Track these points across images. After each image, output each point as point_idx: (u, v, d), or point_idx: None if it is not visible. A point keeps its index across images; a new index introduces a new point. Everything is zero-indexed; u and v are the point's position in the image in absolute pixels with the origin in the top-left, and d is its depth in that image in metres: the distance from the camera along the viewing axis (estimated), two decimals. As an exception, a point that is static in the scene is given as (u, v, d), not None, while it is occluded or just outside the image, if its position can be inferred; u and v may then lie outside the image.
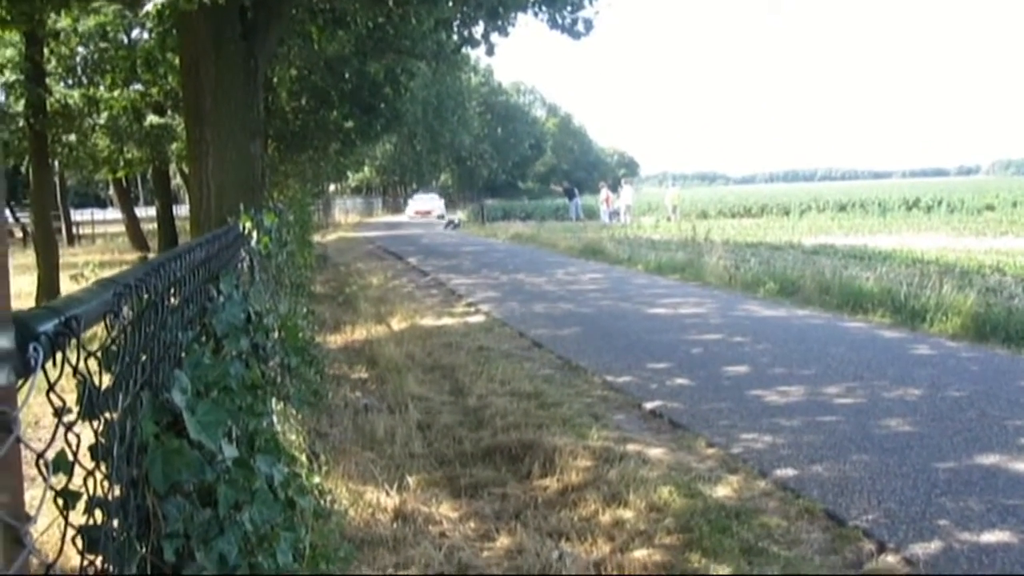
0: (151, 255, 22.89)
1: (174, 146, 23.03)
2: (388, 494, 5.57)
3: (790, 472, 5.86)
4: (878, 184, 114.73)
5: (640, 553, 4.65)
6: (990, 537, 4.70)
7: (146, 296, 2.06)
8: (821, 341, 10.36)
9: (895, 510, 5.12)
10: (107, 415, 1.72)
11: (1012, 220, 37.80)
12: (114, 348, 1.78)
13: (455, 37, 16.81)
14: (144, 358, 2.02)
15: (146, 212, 39.97)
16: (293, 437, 5.34)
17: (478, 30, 15.64)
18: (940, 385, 8.07)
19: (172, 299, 2.50)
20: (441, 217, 54.84)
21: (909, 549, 4.58)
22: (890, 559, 4.51)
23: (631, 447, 6.37)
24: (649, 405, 7.70)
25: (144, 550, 1.88)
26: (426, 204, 62.34)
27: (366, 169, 70.51)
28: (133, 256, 26.17)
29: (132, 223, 33.76)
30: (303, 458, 5.17)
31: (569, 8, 14.79)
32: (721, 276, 16.71)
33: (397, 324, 12.44)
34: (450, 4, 14.59)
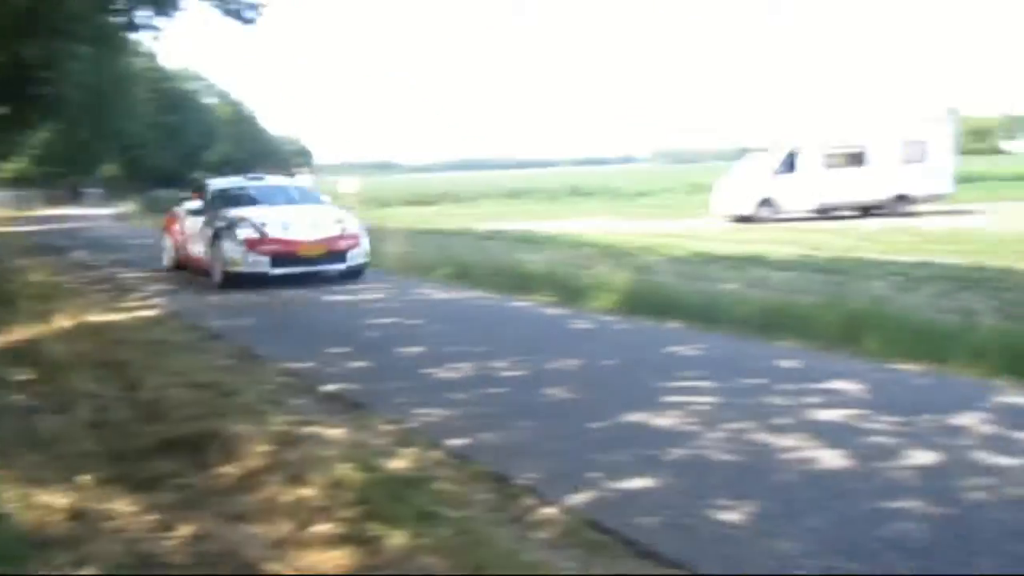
0: None
1: None
2: (61, 495, 5.40)
3: (462, 441, 6.23)
4: (546, 172, 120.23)
5: (322, 527, 4.83)
6: (635, 484, 5.28)
7: None
8: (491, 320, 10.96)
9: (555, 467, 5.60)
10: None
11: (664, 205, 41.15)
12: None
13: (119, 20, 16.14)
14: None
15: None
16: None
17: (144, 14, 15.14)
18: (596, 355, 8.81)
19: None
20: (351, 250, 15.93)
21: (566, 501, 5.06)
22: (550, 510, 4.96)
23: (311, 429, 6.50)
24: (328, 388, 7.87)
25: None
26: (305, 216, 15.95)
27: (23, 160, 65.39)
28: None
29: None
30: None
31: (237, -6, 14.65)
32: (398, 262, 17.10)
33: (64, 322, 11.77)
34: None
